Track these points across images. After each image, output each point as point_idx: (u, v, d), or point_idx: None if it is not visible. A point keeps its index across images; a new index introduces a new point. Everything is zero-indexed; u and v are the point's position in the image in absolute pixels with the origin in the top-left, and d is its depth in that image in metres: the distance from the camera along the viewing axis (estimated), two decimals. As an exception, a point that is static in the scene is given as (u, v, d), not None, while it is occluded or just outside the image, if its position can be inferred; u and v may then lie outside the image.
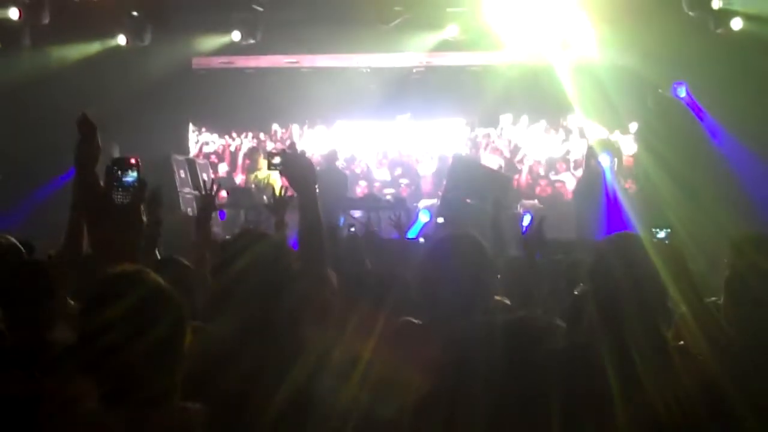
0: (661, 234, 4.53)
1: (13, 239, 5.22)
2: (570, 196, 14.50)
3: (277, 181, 12.02)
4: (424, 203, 15.25)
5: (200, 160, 16.16)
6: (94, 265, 4.58)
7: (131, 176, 3.61)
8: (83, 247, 4.74)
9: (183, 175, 14.48)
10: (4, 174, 5.53)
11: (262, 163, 15.11)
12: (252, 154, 15.57)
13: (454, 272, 3.40)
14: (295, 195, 3.75)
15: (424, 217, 14.21)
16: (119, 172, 3.58)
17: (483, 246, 3.57)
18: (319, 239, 3.52)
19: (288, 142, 3.70)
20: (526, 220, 10.96)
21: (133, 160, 3.62)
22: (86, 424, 2.32)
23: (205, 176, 14.85)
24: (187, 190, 14.35)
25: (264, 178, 14.82)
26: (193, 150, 17.40)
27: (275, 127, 18.16)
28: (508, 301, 4.36)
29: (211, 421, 2.37)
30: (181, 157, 15.13)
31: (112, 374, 2.29)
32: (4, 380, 2.55)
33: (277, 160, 3.79)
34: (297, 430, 2.95)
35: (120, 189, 3.55)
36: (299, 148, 3.83)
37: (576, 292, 3.98)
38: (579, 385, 3.00)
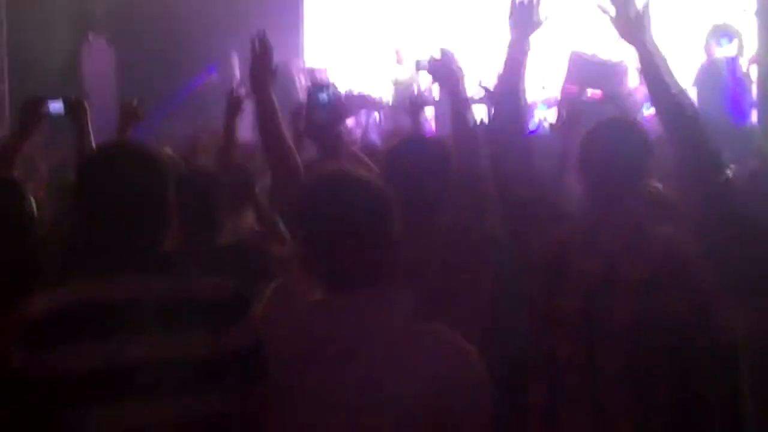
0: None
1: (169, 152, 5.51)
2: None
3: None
4: (541, 98, 15.16)
5: (318, 68, 16.21)
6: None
7: (326, 95, 3.85)
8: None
9: (303, 82, 14.59)
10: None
11: (406, 62, 14.99)
12: (396, 52, 15.43)
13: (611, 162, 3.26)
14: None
15: (541, 111, 14.16)
16: (316, 95, 3.83)
17: (641, 133, 3.38)
18: (474, 139, 3.64)
19: (436, 47, 3.76)
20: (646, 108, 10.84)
21: (326, 83, 3.89)
22: (312, 312, 2.51)
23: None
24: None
25: (406, 79, 14.76)
26: (308, 56, 17.50)
27: (390, 27, 18.13)
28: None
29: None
30: (299, 63, 15.25)
31: (334, 267, 2.48)
32: (211, 283, 2.71)
33: (424, 63, 3.95)
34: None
35: (319, 109, 3.80)
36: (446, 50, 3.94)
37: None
38: None
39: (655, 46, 3.25)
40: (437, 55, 3.89)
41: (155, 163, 2.69)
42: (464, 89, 3.77)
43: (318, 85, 4.25)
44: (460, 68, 3.80)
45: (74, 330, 2.50)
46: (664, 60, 3.25)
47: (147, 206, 2.64)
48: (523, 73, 3.65)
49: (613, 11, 3.29)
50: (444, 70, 3.81)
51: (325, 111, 4.03)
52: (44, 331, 2.50)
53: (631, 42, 3.31)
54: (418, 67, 4.00)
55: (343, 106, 4.17)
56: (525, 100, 3.70)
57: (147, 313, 2.53)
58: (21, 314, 2.55)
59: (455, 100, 3.73)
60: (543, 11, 3.63)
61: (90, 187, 2.67)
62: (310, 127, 4.10)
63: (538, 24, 3.66)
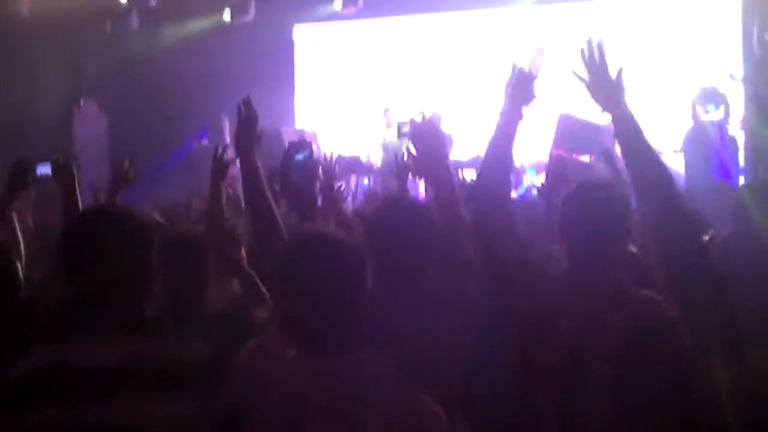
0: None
1: (156, 216, 5.54)
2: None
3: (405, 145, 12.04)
4: (529, 162, 15.24)
5: (308, 131, 16.38)
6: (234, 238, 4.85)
7: (302, 155, 3.88)
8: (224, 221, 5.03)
9: (294, 146, 14.67)
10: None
11: (394, 125, 15.13)
12: (385, 114, 15.58)
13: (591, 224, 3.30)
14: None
15: (530, 177, 14.25)
16: (293, 154, 3.86)
17: (622, 196, 3.41)
18: (454, 206, 3.64)
19: (418, 112, 3.79)
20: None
21: (303, 142, 3.90)
22: (288, 370, 2.52)
23: (314, 146, 15.05)
24: (297, 159, 14.54)
25: (394, 142, 14.87)
26: (300, 121, 17.65)
27: (381, 90, 18.32)
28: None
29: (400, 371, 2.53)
30: (290, 129, 15.39)
31: (310, 327, 2.49)
32: (192, 348, 2.72)
33: (406, 128, 3.97)
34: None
35: (295, 169, 3.83)
36: (428, 115, 3.98)
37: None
38: None
39: (630, 112, 3.30)
40: (419, 120, 3.91)
41: (137, 228, 2.73)
42: (446, 154, 3.80)
43: (294, 146, 4.25)
44: (442, 133, 3.83)
45: (54, 394, 2.51)
46: (639, 126, 3.29)
47: (127, 271, 2.66)
48: (513, 141, 3.73)
49: (587, 78, 3.35)
50: (426, 136, 3.82)
51: (301, 172, 4.06)
52: (24, 394, 2.51)
53: (605, 108, 3.36)
54: (400, 132, 4.03)
55: (317, 167, 4.18)
56: (512, 165, 3.76)
57: (126, 378, 2.54)
58: (2, 377, 2.56)
59: (437, 166, 3.75)
60: (540, 86, 3.71)
61: (71, 251, 2.70)
62: (285, 188, 4.13)
63: (533, 96, 3.74)
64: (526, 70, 3.71)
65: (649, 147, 3.28)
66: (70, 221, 3.41)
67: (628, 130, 3.29)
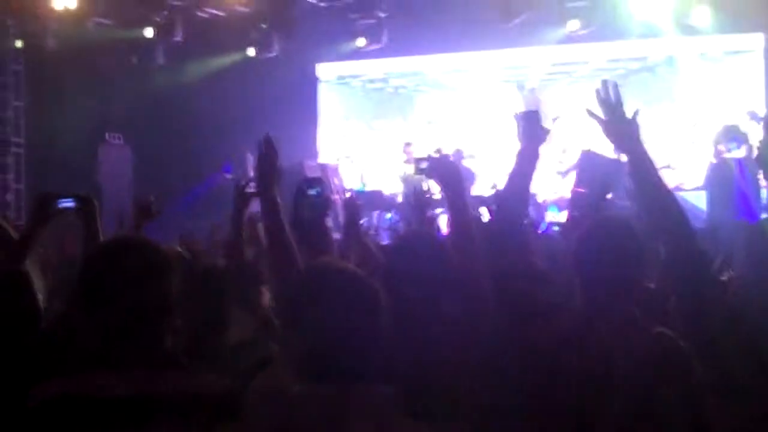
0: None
1: (179, 249, 5.58)
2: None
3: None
4: (551, 199, 15.26)
5: (331, 165, 16.47)
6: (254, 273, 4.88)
7: (315, 191, 3.93)
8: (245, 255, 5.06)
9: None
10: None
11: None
12: (405, 148, 15.64)
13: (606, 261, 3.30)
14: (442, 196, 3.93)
15: (552, 213, 14.25)
16: (306, 189, 3.91)
17: (635, 233, 3.40)
18: (468, 241, 3.65)
19: (435, 149, 3.83)
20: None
21: (316, 178, 3.95)
22: (293, 405, 2.53)
23: (336, 180, 15.16)
24: (318, 193, 14.61)
25: (414, 175, 14.86)
26: (323, 155, 17.75)
27: (402, 126, 18.43)
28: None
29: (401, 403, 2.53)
30: (312, 163, 15.47)
31: (319, 359, 2.50)
32: (209, 382, 2.74)
33: (424, 164, 3.99)
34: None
35: (307, 205, 3.87)
36: (450, 151, 4.02)
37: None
38: None
39: (645, 150, 3.34)
40: (435, 156, 3.94)
41: (158, 259, 2.75)
42: (462, 191, 3.82)
43: (306, 182, 4.29)
44: (458, 169, 3.85)
45: (71, 425, 2.54)
46: (653, 165, 3.34)
47: (147, 302, 2.69)
48: (530, 180, 3.80)
49: (603, 117, 3.40)
50: (442, 172, 3.84)
51: (312, 207, 4.10)
52: (41, 424, 2.54)
53: (619, 147, 3.46)
54: (417, 168, 4.05)
55: (329, 203, 4.22)
56: (528, 204, 3.80)
57: (143, 411, 2.56)
58: (20, 407, 2.59)
59: (453, 202, 3.77)
60: (548, 123, 3.76)
61: (92, 281, 2.73)
62: (296, 223, 4.17)
63: (545, 134, 3.79)
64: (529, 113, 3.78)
65: (662, 185, 3.32)
66: (88, 252, 3.44)
67: (642, 168, 3.34)
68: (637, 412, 3.07)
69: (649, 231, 3.38)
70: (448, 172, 3.79)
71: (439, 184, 3.85)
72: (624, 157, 3.48)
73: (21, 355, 3.38)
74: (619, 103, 3.37)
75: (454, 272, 3.52)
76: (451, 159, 4.01)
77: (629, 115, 3.36)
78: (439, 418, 2.64)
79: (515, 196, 3.79)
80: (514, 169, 3.82)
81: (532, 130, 3.78)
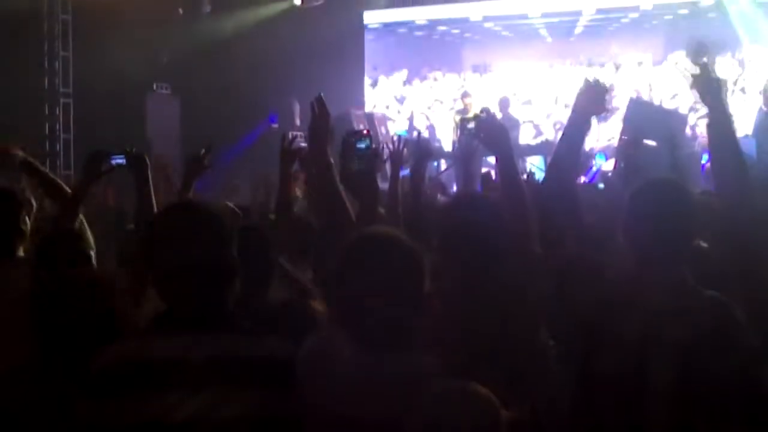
0: None
1: (231, 205, 5.65)
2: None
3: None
4: (599, 147, 15.17)
5: (377, 114, 16.45)
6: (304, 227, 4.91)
7: (364, 144, 3.94)
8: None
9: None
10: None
11: (474, 106, 15.02)
12: (464, 97, 15.52)
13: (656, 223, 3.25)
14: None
15: (599, 161, 14.17)
16: (355, 142, 3.92)
17: (687, 193, 3.37)
18: (522, 203, 3.61)
19: (481, 108, 3.80)
20: (705, 159, 10.76)
21: (365, 131, 3.95)
22: (346, 370, 2.57)
23: (383, 129, 15.15)
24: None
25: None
26: (369, 104, 17.73)
27: (449, 76, 18.37)
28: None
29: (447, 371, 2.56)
30: (359, 112, 15.46)
31: (367, 325, 2.53)
32: (264, 342, 2.78)
33: (472, 125, 3.97)
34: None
35: (356, 157, 3.88)
36: (491, 109, 3.99)
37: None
38: None
39: (727, 107, 3.55)
40: (482, 115, 3.91)
41: (221, 226, 2.79)
42: (512, 152, 3.79)
43: (355, 135, 4.27)
44: (506, 131, 3.82)
45: (134, 385, 2.60)
46: (732, 121, 3.55)
47: (213, 269, 2.73)
48: (580, 149, 3.89)
49: (695, 71, 3.59)
50: (491, 133, 3.80)
51: (361, 160, 4.10)
52: (105, 384, 2.61)
53: (706, 101, 3.60)
54: (464, 128, 4.03)
55: (379, 156, 4.19)
56: (578, 171, 3.85)
57: (207, 373, 2.62)
58: (84, 367, 2.67)
59: (503, 164, 3.74)
60: (611, 100, 3.80)
61: (159, 249, 2.77)
62: (345, 176, 4.17)
63: (603, 110, 3.82)
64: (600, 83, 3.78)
65: (736, 143, 3.52)
66: (151, 220, 3.47)
67: (722, 123, 3.54)
68: (690, 382, 3.05)
69: (715, 184, 3.60)
70: (497, 133, 3.75)
71: (487, 146, 3.83)
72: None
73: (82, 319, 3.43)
74: (710, 61, 3.55)
75: (508, 237, 3.51)
76: (499, 117, 3.98)
77: (718, 72, 3.55)
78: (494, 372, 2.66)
79: (565, 160, 3.81)
80: (563, 136, 3.86)
81: (592, 101, 3.79)
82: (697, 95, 3.60)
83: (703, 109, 3.67)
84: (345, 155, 4.26)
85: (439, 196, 8.40)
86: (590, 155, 14.38)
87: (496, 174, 3.92)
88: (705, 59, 3.55)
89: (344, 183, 4.36)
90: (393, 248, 2.58)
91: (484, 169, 10.03)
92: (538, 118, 17.43)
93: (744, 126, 12.46)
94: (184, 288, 2.71)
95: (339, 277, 2.63)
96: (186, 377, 2.61)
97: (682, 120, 13.77)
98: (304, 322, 3.61)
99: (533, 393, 3.26)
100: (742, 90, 15.88)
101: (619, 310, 3.23)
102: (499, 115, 13.77)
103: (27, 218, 4.50)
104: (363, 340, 2.52)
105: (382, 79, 18.32)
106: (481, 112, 3.91)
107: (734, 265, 3.45)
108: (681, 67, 3.60)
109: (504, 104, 15.24)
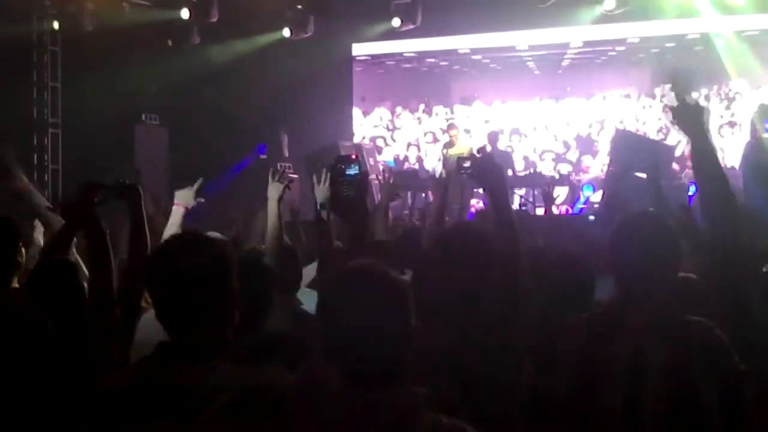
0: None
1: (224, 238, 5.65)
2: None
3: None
4: (586, 178, 15.26)
5: (366, 145, 16.50)
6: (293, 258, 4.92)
7: (353, 170, 3.97)
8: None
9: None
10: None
11: (460, 138, 15.05)
12: (450, 129, 15.54)
13: (639, 254, 3.32)
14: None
15: (587, 193, 14.25)
16: (344, 169, 3.94)
17: (668, 225, 3.43)
18: (515, 240, 3.59)
19: (476, 149, 3.85)
20: (692, 190, 10.82)
21: (354, 155, 3.97)
22: (333, 407, 2.58)
23: (371, 160, 15.17)
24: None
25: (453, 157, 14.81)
26: (358, 135, 17.79)
27: (437, 108, 18.47)
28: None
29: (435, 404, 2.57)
30: (347, 143, 15.49)
31: (355, 360, 2.55)
32: (261, 371, 2.79)
33: (467, 164, 3.99)
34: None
35: (345, 183, 3.91)
36: (488, 149, 4.02)
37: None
38: None
39: (708, 132, 3.59)
40: (477, 154, 3.93)
41: (222, 257, 2.81)
42: (506, 190, 3.79)
43: (342, 160, 4.29)
44: (501, 170, 3.82)
45: (138, 411, 2.62)
46: (714, 149, 3.59)
47: (214, 298, 2.76)
48: (717, 159, 3.80)
49: (673, 101, 3.64)
50: (486, 173, 3.80)
51: (350, 185, 4.12)
52: (110, 410, 2.63)
53: (687, 130, 3.63)
54: (460, 167, 4.05)
55: (367, 182, 4.21)
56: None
57: (202, 400, 2.63)
58: (88, 395, 2.70)
59: (497, 201, 3.75)
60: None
61: (158, 283, 2.79)
62: (335, 203, 4.19)
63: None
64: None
65: (720, 169, 3.55)
66: (153, 251, 3.49)
67: (704, 152, 3.57)
68: (673, 402, 3.10)
69: (702, 212, 3.60)
70: (492, 173, 3.76)
71: (482, 185, 3.85)
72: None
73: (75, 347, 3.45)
74: (689, 90, 3.51)
75: (498, 264, 3.53)
76: (494, 159, 3.98)
77: (699, 100, 3.52)
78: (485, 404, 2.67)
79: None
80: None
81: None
82: (679, 125, 3.63)
83: (686, 140, 3.71)
84: (334, 182, 4.29)
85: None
86: (578, 186, 14.47)
87: (485, 205, 3.92)
88: (683, 86, 3.58)
89: (334, 209, 4.37)
90: (378, 282, 2.59)
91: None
92: (526, 150, 17.54)
93: (732, 159, 12.54)
94: (186, 317, 2.74)
95: (326, 313, 2.64)
96: (185, 405, 2.62)
97: (669, 150, 13.85)
98: (302, 351, 3.63)
99: (519, 426, 3.29)
100: (730, 124, 16.02)
101: (607, 339, 3.27)
102: (488, 149, 13.85)
103: (23, 249, 4.50)
104: (351, 375, 2.53)
105: (370, 109, 18.41)
106: (478, 151, 3.94)
107: (718, 291, 3.50)
108: (665, 101, 3.64)
109: (493, 138, 15.30)
